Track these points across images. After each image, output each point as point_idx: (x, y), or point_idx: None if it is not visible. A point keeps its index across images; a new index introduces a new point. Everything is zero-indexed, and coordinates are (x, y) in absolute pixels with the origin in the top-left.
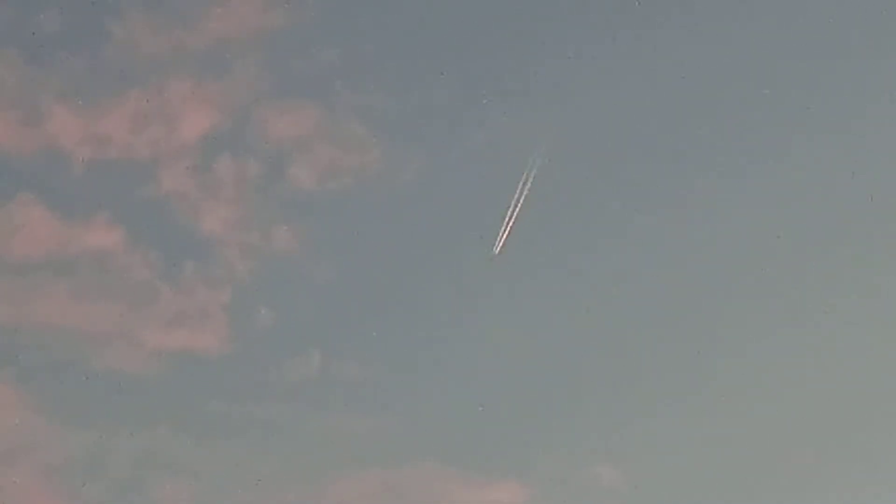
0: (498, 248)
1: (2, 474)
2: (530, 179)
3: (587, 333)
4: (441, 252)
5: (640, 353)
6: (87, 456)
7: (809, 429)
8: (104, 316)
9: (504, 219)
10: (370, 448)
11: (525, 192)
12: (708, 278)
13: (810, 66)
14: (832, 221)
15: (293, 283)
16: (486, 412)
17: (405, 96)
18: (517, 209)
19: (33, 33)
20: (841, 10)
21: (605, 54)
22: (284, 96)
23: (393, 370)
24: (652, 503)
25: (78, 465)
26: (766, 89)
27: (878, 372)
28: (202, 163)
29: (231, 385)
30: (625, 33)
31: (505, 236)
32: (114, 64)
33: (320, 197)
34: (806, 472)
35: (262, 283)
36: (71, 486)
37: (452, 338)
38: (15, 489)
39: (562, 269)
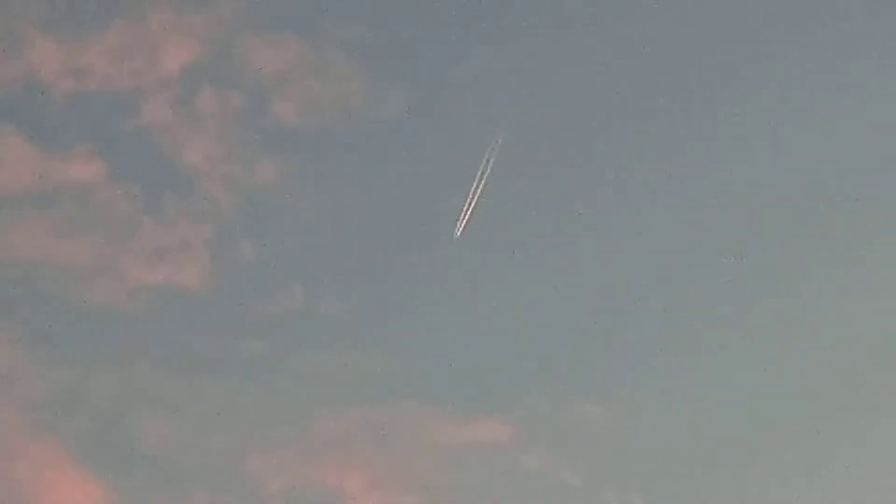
0: (460, 231)
1: None
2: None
3: (574, 270)
4: (426, 186)
5: (627, 291)
6: (68, 391)
7: (801, 370)
8: (85, 250)
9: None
10: (353, 385)
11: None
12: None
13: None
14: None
15: (276, 218)
16: (470, 349)
17: (390, 30)
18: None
19: None
20: None
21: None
22: (267, 28)
23: (376, 306)
24: (637, 441)
25: (59, 400)
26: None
27: (875, 312)
28: (184, 95)
29: (213, 320)
30: None
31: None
32: None
33: (304, 131)
34: (796, 412)
35: (244, 217)
36: (52, 421)
37: (437, 274)
38: None
39: (549, 206)
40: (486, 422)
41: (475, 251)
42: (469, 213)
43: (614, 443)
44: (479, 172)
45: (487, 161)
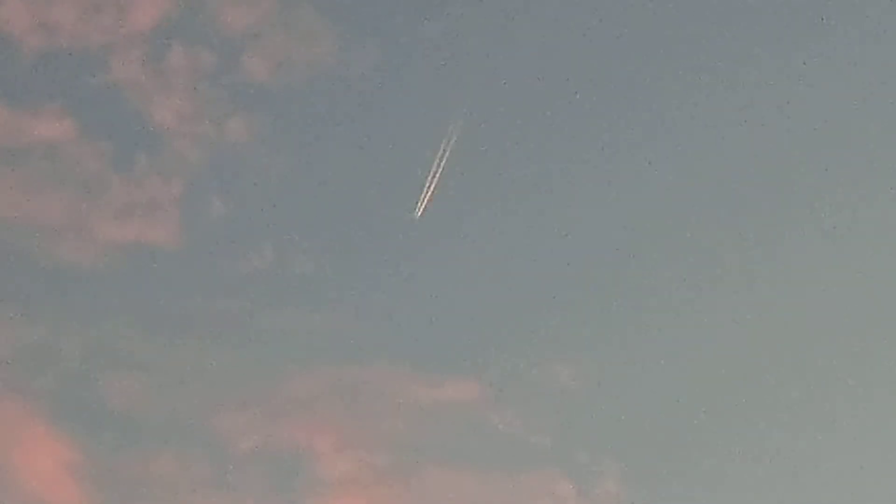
0: (419, 211)
1: None
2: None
3: (546, 230)
4: (399, 144)
5: (598, 252)
6: (37, 349)
7: (776, 331)
8: (54, 208)
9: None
10: (324, 344)
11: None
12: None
13: None
14: None
15: (246, 176)
16: (441, 309)
17: None
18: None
19: None
20: None
21: None
22: None
23: (347, 265)
24: (610, 402)
25: (27, 358)
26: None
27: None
28: (154, 52)
29: (182, 279)
30: None
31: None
32: None
33: (274, 88)
34: (772, 373)
35: (214, 175)
36: (20, 379)
37: (409, 233)
38: None
39: (523, 168)
40: (456, 381)
41: (447, 213)
42: (430, 193)
43: (586, 403)
44: (441, 151)
45: (448, 141)
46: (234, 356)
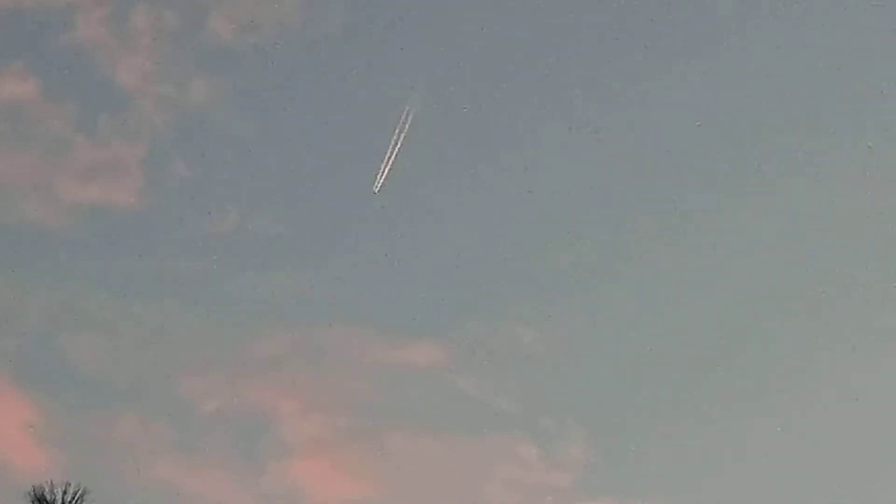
0: (378, 186)
1: None
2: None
3: (510, 195)
4: (363, 106)
5: (563, 218)
6: (2, 310)
7: (737, 291)
8: (19, 168)
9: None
10: (289, 307)
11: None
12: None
13: None
14: None
15: (210, 138)
16: (407, 273)
17: None
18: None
19: None
20: None
21: None
22: None
23: (312, 227)
24: (574, 366)
25: None
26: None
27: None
28: (118, 12)
29: (146, 240)
30: None
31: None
32: None
33: (239, 50)
34: (733, 332)
35: (178, 136)
36: None
37: (375, 196)
38: None
39: (488, 131)
40: (421, 345)
41: (413, 176)
42: (388, 168)
43: (550, 368)
44: (404, 115)
45: (410, 109)
46: (199, 318)
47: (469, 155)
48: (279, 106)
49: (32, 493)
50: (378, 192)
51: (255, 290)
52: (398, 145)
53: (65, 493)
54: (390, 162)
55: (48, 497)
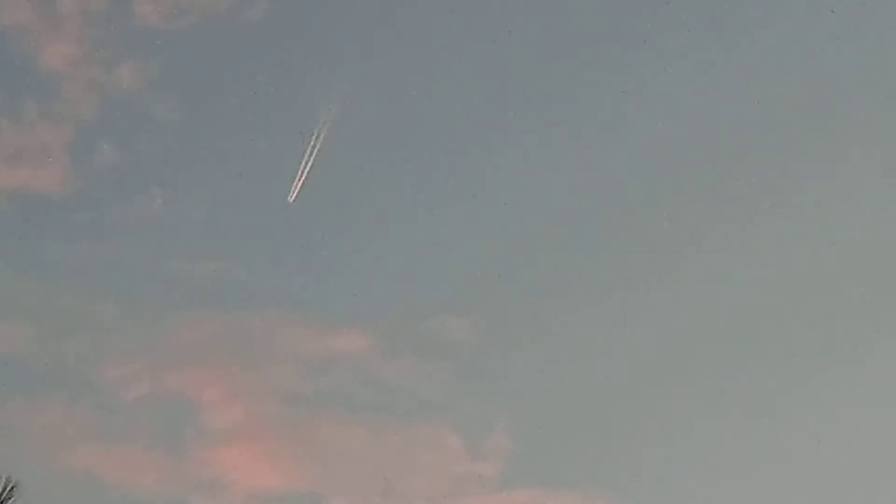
0: (293, 196)
1: None
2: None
3: (437, 180)
4: (288, 92)
5: (493, 203)
6: None
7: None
8: None
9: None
10: (213, 293)
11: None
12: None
13: None
14: None
15: (137, 122)
16: (333, 258)
17: None
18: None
19: None
20: None
21: None
22: None
23: (237, 212)
24: (500, 356)
25: None
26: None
27: None
28: None
29: (72, 225)
30: None
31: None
32: None
33: (166, 34)
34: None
35: (105, 121)
36: None
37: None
38: None
39: (415, 111)
40: (347, 332)
41: (338, 156)
42: (303, 178)
43: (476, 357)
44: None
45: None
46: (122, 304)
47: (394, 147)
48: (206, 90)
49: None
50: (293, 201)
51: (178, 274)
52: (321, 138)
53: None
54: (311, 161)
55: None
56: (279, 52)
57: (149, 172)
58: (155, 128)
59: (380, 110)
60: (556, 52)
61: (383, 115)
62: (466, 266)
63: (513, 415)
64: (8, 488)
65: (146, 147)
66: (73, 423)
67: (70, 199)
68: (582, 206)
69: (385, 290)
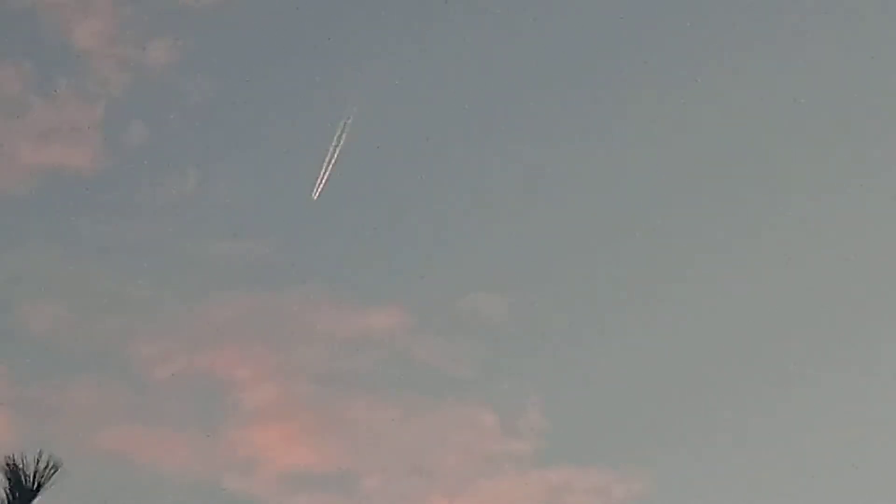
0: (317, 193)
1: None
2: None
3: (473, 156)
4: (321, 67)
5: (528, 178)
6: None
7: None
8: None
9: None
10: (246, 271)
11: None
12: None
13: None
14: None
15: (169, 100)
16: (365, 236)
17: None
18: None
19: None
20: None
21: None
22: None
23: (270, 190)
24: (534, 333)
25: None
26: None
27: None
28: None
29: (104, 204)
30: None
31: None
32: None
33: (199, 11)
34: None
35: (136, 98)
36: None
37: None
38: None
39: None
40: (380, 310)
41: (372, 134)
42: (327, 175)
43: (510, 335)
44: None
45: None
46: (154, 283)
47: (442, 114)
48: (239, 67)
49: (5, 465)
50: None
51: (211, 254)
52: (352, 118)
53: (38, 463)
54: (333, 159)
55: (22, 468)
56: (314, 29)
57: (181, 151)
58: (187, 106)
59: (419, 86)
60: (597, 39)
61: (422, 91)
62: (500, 243)
63: (547, 392)
64: (48, 467)
65: (178, 125)
66: (105, 403)
67: (102, 177)
68: (618, 182)
69: (418, 267)
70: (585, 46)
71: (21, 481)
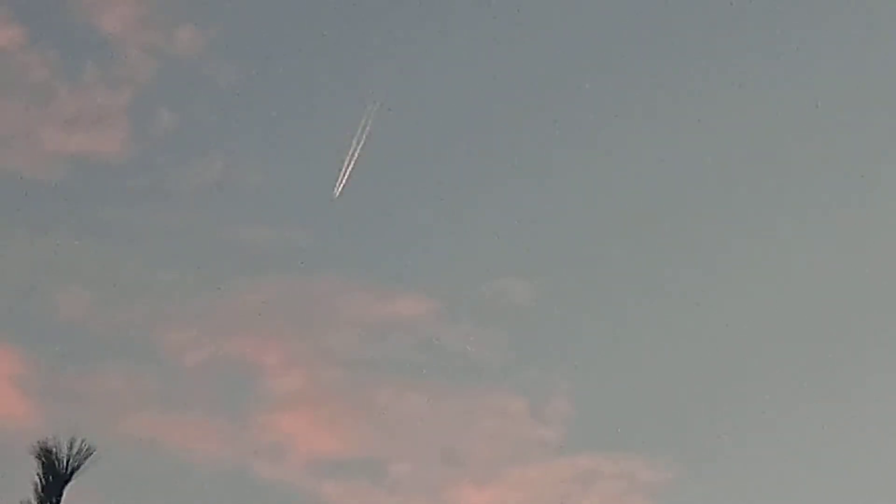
0: (338, 191)
1: None
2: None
3: (497, 131)
4: (350, 54)
5: (556, 159)
6: None
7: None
8: (2, 116)
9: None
10: (273, 257)
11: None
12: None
13: None
14: None
15: (196, 85)
16: (393, 222)
17: None
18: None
19: None
20: None
21: None
22: None
23: (297, 176)
24: (562, 319)
25: None
26: None
27: None
28: None
29: (131, 190)
30: None
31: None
32: None
33: None
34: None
35: (164, 84)
36: None
37: (357, 144)
38: None
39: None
40: (408, 296)
41: (398, 121)
42: (348, 173)
43: (538, 320)
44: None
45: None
46: (182, 269)
47: (469, 100)
48: (266, 53)
49: (38, 450)
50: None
51: (239, 239)
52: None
53: (70, 448)
54: (367, 129)
55: (55, 453)
56: (342, 14)
57: (209, 137)
58: (215, 92)
59: (446, 73)
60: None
61: (450, 78)
62: (527, 228)
63: (575, 379)
64: (81, 452)
65: (206, 111)
66: (133, 389)
67: (129, 164)
68: (648, 166)
69: (445, 253)
70: (615, 33)
71: (54, 466)
